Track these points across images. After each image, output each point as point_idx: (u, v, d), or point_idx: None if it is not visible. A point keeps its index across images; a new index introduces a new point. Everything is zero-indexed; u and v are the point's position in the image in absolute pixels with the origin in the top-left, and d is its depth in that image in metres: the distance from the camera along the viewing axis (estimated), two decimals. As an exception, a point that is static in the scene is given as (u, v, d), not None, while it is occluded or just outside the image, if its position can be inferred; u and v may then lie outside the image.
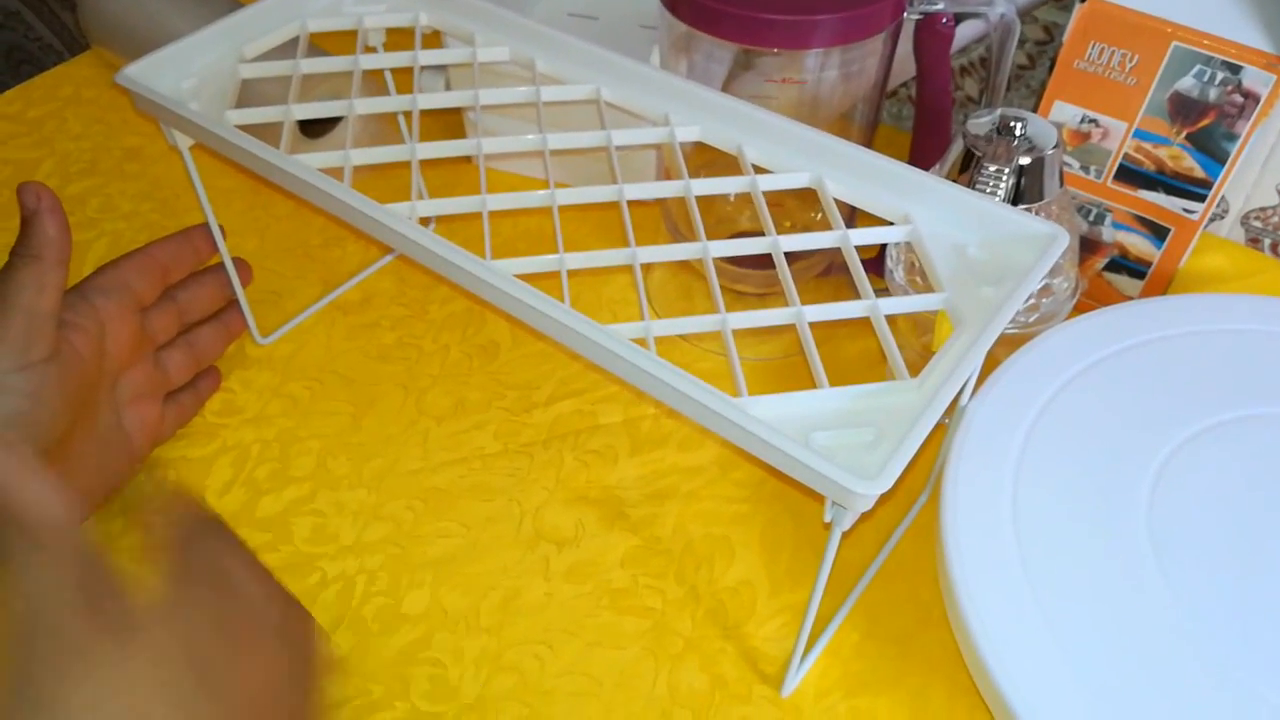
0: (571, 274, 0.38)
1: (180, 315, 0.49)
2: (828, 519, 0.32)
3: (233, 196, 0.62)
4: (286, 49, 0.48)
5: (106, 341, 0.44)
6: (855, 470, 0.29)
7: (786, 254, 0.38)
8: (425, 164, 0.42)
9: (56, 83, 0.72)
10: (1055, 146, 0.42)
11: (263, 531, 0.46)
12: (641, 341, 0.34)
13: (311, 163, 0.40)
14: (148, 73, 0.44)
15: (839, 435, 0.31)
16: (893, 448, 0.30)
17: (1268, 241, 0.55)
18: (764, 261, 0.38)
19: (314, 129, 0.61)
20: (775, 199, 0.52)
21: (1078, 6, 0.44)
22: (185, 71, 0.45)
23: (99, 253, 0.59)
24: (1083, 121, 0.48)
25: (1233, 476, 0.40)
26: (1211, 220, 0.55)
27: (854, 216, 0.49)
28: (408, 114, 0.44)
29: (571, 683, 0.41)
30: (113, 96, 0.70)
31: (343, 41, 0.49)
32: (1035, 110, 0.48)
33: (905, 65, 0.50)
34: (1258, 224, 0.55)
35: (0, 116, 0.69)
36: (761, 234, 0.39)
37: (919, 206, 0.39)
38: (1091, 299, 0.53)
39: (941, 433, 0.44)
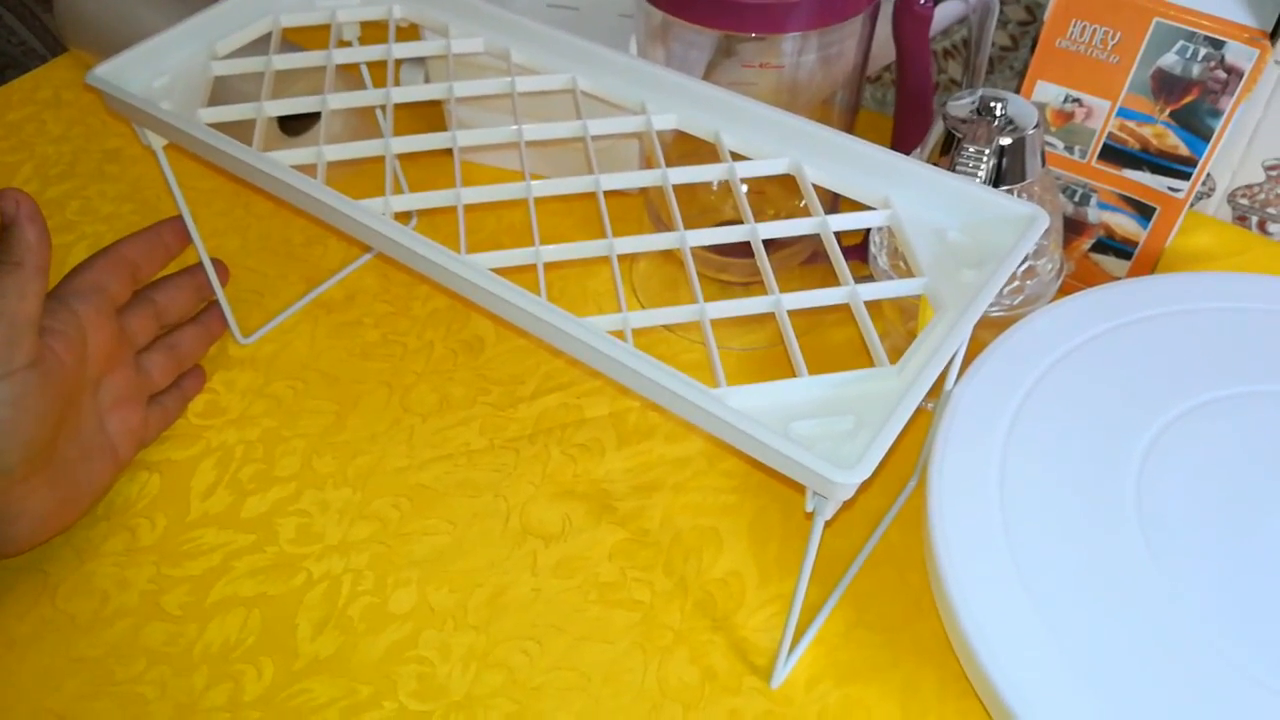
0: (556, 266, 0.37)
1: (158, 317, 0.49)
2: (809, 509, 0.31)
3: (213, 196, 0.62)
4: (261, 45, 0.47)
5: (88, 346, 0.44)
6: (834, 459, 0.29)
7: (769, 241, 0.38)
8: (412, 159, 0.41)
9: (35, 85, 0.71)
10: (1036, 126, 0.42)
11: (248, 533, 0.45)
12: (619, 334, 0.34)
13: (285, 160, 0.40)
14: (119, 72, 0.43)
15: (818, 424, 0.31)
16: (872, 435, 0.30)
17: (1254, 219, 0.55)
18: (748, 250, 0.38)
19: (295, 126, 0.60)
20: (757, 186, 0.52)
21: (1058, -16, 0.44)
22: (157, 70, 0.45)
23: (79, 255, 0.59)
24: (1066, 101, 0.47)
25: (1221, 455, 0.40)
26: (1197, 199, 0.55)
27: (837, 202, 0.49)
28: (384, 108, 0.44)
29: (560, 678, 0.40)
30: (91, 98, 0.70)
31: (318, 36, 0.49)
32: (1019, 91, 0.47)
33: (887, 49, 0.49)
34: (1244, 201, 0.54)
35: (-22, 121, 0.69)
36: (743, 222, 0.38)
37: (898, 190, 0.39)
38: (1078, 280, 0.53)
39: (929, 418, 0.44)
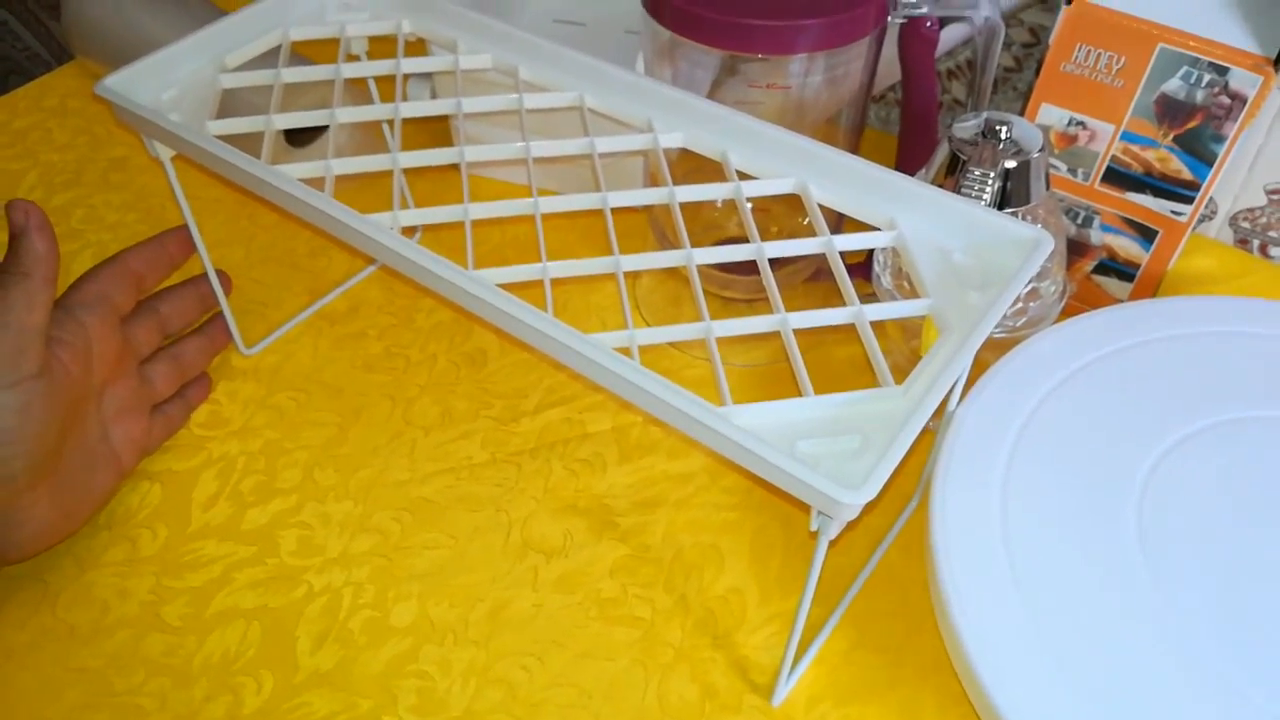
0: (559, 281, 0.37)
1: (162, 327, 0.49)
2: (814, 528, 0.31)
3: (218, 207, 0.62)
4: (270, 58, 0.48)
5: (93, 356, 0.44)
6: (840, 479, 0.29)
7: (773, 259, 0.38)
8: (416, 173, 0.41)
9: (41, 93, 0.72)
10: (1041, 150, 0.42)
11: (248, 545, 0.45)
12: (625, 350, 0.34)
13: (293, 173, 0.40)
14: (128, 83, 0.44)
15: (823, 444, 0.31)
16: (878, 456, 0.30)
17: (1256, 243, 0.55)
18: (752, 267, 0.38)
19: (301, 138, 0.60)
20: (762, 205, 0.52)
21: (1064, 8, 0.44)
22: (166, 82, 0.45)
23: (84, 264, 0.59)
24: (1070, 124, 0.47)
25: (1223, 480, 0.40)
26: (1200, 222, 0.55)
27: (841, 222, 0.49)
28: (392, 123, 0.44)
29: (560, 694, 0.40)
30: (98, 107, 0.70)
31: (327, 50, 0.49)
32: (1023, 113, 0.47)
33: (892, 69, 0.49)
34: (1246, 225, 0.55)
35: (-16, 128, 0.69)
36: (748, 240, 0.38)
37: (904, 212, 0.39)
38: (1080, 302, 0.53)
39: (931, 438, 0.44)
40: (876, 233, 0.39)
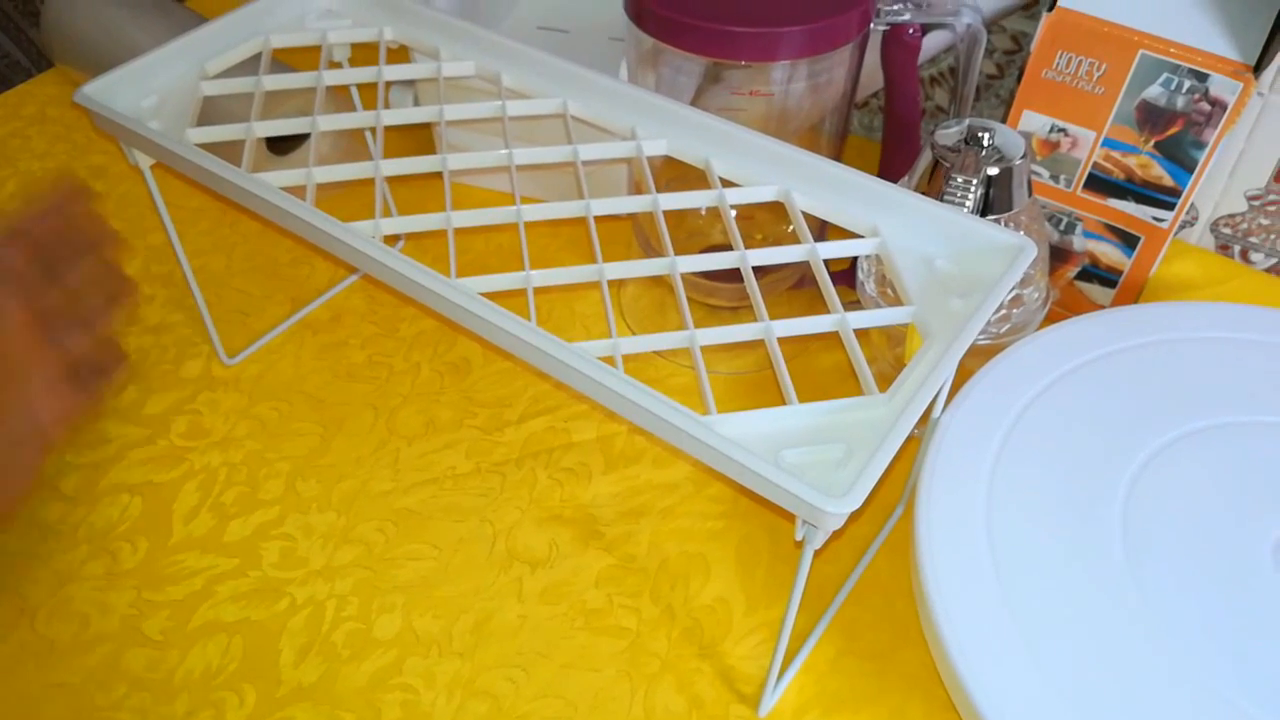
0: (544, 290, 0.37)
1: (73, 296, 0.47)
2: (799, 537, 0.31)
3: (199, 215, 0.61)
4: (251, 65, 0.47)
5: (9, 333, 0.43)
6: (824, 488, 0.29)
7: (758, 267, 0.38)
8: (399, 180, 0.41)
9: (20, 101, 0.71)
10: (1023, 156, 0.42)
11: (230, 557, 0.45)
12: (609, 359, 0.33)
13: (274, 181, 0.40)
14: (107, 91, 0.43)
15: (808, 452, 0.31)
16: (862, 464, 0.30)
17: (1237, 248, 0.56)
18: (737, 275, 0.38)
19: (283, 146, 0.60)
20: (746, 212, 0.52)
21: (1045, 15, 0.44)
22: (146, 89, 0.45)
23: (63, 274, 0.58)
24: (1052, 131, 0.48)
25: (1206, 485, 0.40)
26: (1181, 228, 0.55)
27: (825, 229, 0.49)
28: (374, 130, 0.44)
29: (546, 706, 0.40)
30: (77, 115, 0.69)
31: (308, 57, 0.49)
32: (1005, 120, 0.48)
33: (875, 76, 0.49)
34: (1227, 231, 0.55)
35: (-38, 137, 0.68)
36: (733, 248, 0.38)
37: (887, 219, 0.39)
38: (1063, 308, 0.53)
39: (916, 444, 0.44)
40: (860, 240, 0.39)
